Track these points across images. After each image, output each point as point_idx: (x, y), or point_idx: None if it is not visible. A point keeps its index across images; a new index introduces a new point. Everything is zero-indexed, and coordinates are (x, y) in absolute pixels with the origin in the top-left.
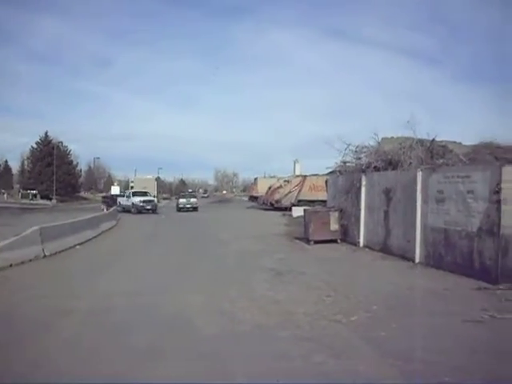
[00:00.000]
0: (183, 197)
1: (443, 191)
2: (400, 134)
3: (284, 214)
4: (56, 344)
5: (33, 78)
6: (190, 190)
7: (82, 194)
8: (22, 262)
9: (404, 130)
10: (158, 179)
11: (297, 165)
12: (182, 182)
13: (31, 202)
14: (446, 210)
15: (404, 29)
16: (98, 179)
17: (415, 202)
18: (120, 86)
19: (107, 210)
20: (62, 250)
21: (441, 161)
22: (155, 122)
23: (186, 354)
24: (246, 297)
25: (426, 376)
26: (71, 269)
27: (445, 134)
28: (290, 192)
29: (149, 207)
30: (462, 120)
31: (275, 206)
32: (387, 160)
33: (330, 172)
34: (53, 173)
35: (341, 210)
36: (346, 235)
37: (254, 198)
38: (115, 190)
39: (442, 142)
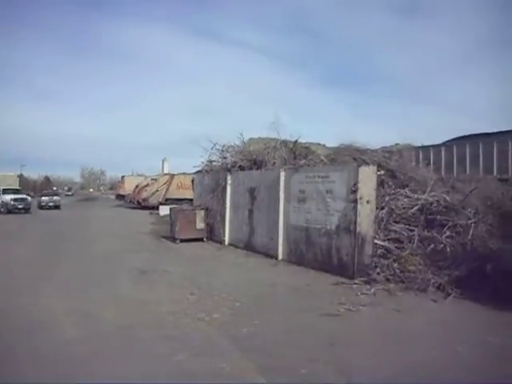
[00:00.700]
0: (46, 195)
1: (305, 191)
2: (267, 134)
3: (151, 213)
4: None
5: None
6: (54, 188)
7: None
8: None
9: (270, 131)
10: (20, 176)
11: (165, 163)
12: (47, 180)
13: None
14: (307, 209)
15: (274, 33)
16: None
17: (278, 200)
18: None
19: None
20: None
21: (303, 161)
22: (14, 115)
23: (44, 359)
24: (110, 297)
25: (284, 369)
26: None
27: (311, 136)
28: (157, 190)
29: (21, 206)
30: (326, 123)
31: (143, 205)
32: (252, 159)
33: (198, 171)
34: None
35: (207, 209)
36: (212, 234)
37: (121, 197)
38: None
39: (305, 143)
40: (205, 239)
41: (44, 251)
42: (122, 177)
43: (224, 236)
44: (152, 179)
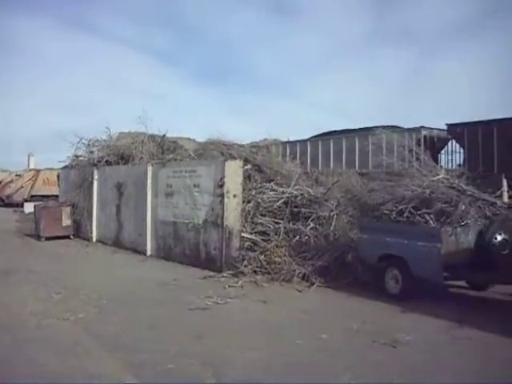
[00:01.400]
0: None
1: (172, 185)
2: (136, 129)
3: (15, 211)
4: None
5: None
6: None
7: None
8: None
9: (139, 125)
10: None
11: (31, 158)
12: None
13: None
14: (175, 204)
15: (146, 26)
16: None
17: (146, 196)
18: None
19: None
20: None
21: (171, 156)
22: None
23: None
24: None
25: (151, 365)
26: None
27: (182, 130)
28: (22, 187)
29: None
30: (198, 117)
31: (6, 202)
32: (119, 154)
33: (64, 166)
34: None
35: (73, 205)
36: (79, 231)
37: None
38: None
39: (174, 138)
40: (72, 236)
41: None
42: None
43: (91, 233)
44: (16, 175)
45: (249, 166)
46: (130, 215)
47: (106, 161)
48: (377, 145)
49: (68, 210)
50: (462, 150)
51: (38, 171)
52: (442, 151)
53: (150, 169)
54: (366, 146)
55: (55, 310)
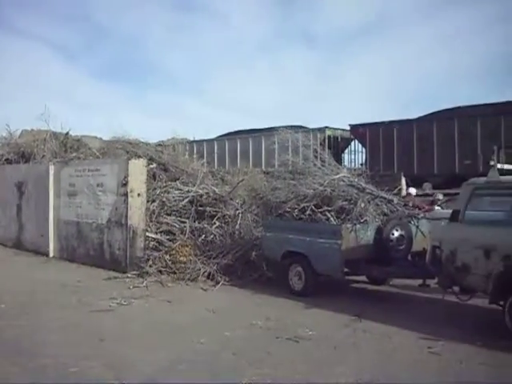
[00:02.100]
0: None
1: (75, 184)
2: (39, 127)
3: None
4: None
5: None
6: None
7: None
8: None
9: (43, 122)
10: None
11: None
12: None
13: None
14: (79, 204)
15: (52, 21)
16: None
17: (48, 195)
18: None
19: None
20: None
21: (74, 154)
22: None
23: None
24: None
25: (52, 369)
26: None
27: (89, 128)
28: None
29: None
30: (105, 115)
31: None
32: (20, 152)
33: None
34: None
35: None
36: None
37: None
38: None
39: (78, 136)
40: None
41: None
42: None
43: None
44: None
45: (154, 165)
46: (31, 215)
47: (6, 159)
48: (282, 144)
49: None
50: (364, 150)
51: None
52: (346, 151)
53: (52, 167)
54: (271, 146)
55: None
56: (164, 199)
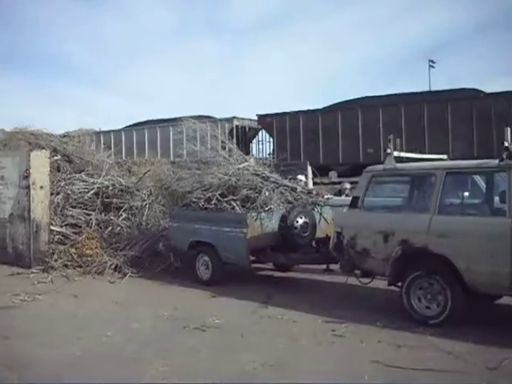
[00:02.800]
0: None
1: None
2: None
3: None
4: None
5: None
6: None
7: None
8: None
9: None
10: None
11: None
12: None
13: None
14: None
15: None
16: None
17: None
18: None
19: None
20: None
21: None
22: None
23: None
24: None
25: None
26: None
27: None
28: None
29: None
30: (5, 106)
31: None
32: None
33: None
34: None
35: None
36: None
37: None
38: None
39: None
40: None
41: None
42: None
43: None
44: None
45: (58, 157)
46: None
47: None
48: (190, 134)
49: None
50: (271, 140)
51: None
52: (254, 140)
53: None
54: (179, 136)
55: None
56: (69, 191)
